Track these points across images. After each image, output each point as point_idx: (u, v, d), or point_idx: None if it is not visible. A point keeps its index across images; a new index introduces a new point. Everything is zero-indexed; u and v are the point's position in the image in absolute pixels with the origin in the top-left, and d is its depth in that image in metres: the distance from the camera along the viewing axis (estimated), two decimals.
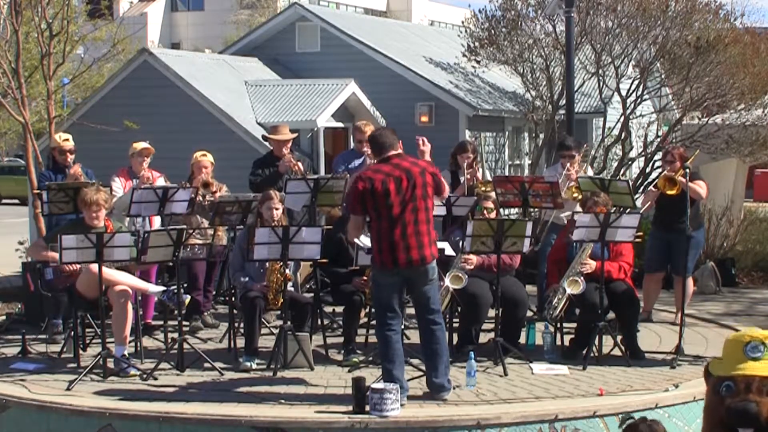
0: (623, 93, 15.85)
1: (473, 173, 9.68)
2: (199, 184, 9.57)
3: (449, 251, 8.23)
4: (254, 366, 8.05)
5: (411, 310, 7.59)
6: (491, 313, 8.42)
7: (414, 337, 8.35)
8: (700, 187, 9.49)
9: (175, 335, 8.31)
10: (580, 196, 9.21)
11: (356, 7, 55.32)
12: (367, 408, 6.76)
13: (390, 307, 7.08)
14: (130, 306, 8.05)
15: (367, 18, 28.59)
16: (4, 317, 10.45)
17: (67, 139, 9.87)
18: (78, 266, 8.08)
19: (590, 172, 10.61)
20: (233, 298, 9.09)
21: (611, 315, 8.61)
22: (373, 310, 8.80)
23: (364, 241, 7.64)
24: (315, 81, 17.68)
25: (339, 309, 9.08)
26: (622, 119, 15.85)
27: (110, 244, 7.66)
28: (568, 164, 9.68)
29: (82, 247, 7.57)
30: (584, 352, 8.29)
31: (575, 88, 13.49)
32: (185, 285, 9.31)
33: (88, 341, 8.91)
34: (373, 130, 9.98)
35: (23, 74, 13.20)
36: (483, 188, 9.41)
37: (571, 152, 9.81)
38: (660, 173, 10.00)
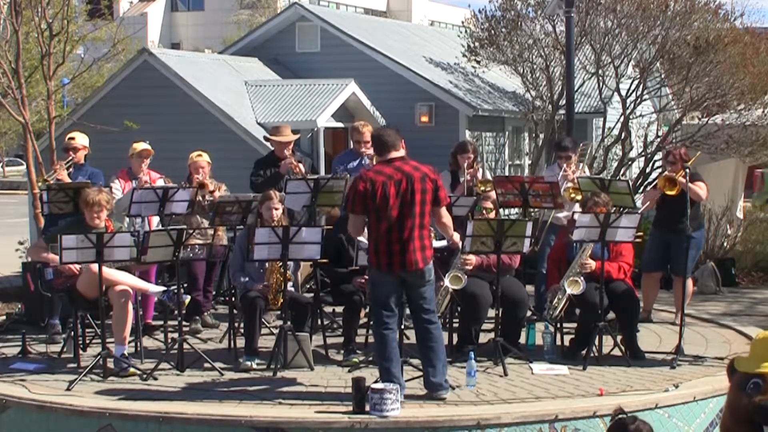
0: (623, 93, 15.86)
1: (473, 173, 9.69)
2: (195, 185, 9.56)
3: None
4: (254, 366, 8.05)
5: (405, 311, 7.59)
6: (491, 313, 8.42)
7: (414, 337, 8.35)
8: (700, 188, 9.49)
9: (175, 335, 8.32)
10: (578, 197, 9.22)
11: (356, 7, 55.33)
12: (367, 408, 6.76)
13: (386, 306, 7.08)
14: (130, 306, 8.05)
15: (367, 18, 28.59)
16: (4, 317, 10.45)
17: (73, 138, 9.88)
18: (78, 267, 8.07)
19: (587, 172, 10.61)
20: (233, 298, 9.09)
21: (611, 315, 8.61)
22: None
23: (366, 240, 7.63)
24: (315, 81, 17.68)
25: (339, 309, 9.08)
26: (622, 119, 15.86)
27: (110, 244, 7.66)
28: (565, 165, 9.69)
29: (82, 247, 7.57)
30: (584, 352, 8.29)
31: (575, 88, 13.49)
32: (185, 285, 9.31)
33: (88, 341, 8.91)
34: (372, 129, 10.02)
35: (23, 74, 13.22)
36: (482, 187, 9.41)
37: (567, 153, 9.82)
38: (660, 173, 10.01)
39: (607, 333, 8.41)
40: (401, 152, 7.15)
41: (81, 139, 9.88)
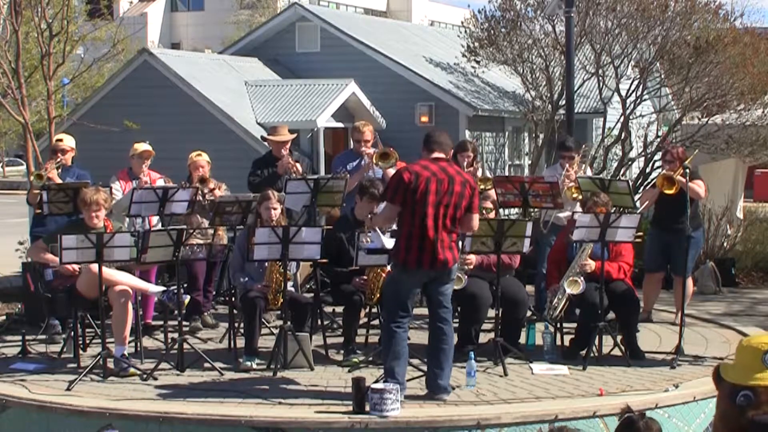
0: (623, 93, 15.86)
1: (473, 172, 9.69)
2: (196, 181, 9.57)
3: None
4: (254, 366, 8.05)
5: (413, 311, 7.58)
6: (491, 313, 8.42)
7: (414, 337, 8.35)
8: (698, 187, 9.48)
9: (175, 335, 8.32)
10: (579, 197, 9.22)
11: (356, 7, 55.34)
12: (367, 408, 6.76)
13: (404, 305, 7.11)
14: (130, 306, 8.05)
15: (367, 18, 28.59)
16: (4, 317, 10.44)
17: (61, 140, 9.88)
18: (76, 267, 8.07)
19: (589, 172, 10.61)
20: (233, 298, 9.09)
21: (611, 315, 8.61)
22: (373, 310, 8.82)
23: (375, 238, 7.61)
24: (315, 81, 17.68)
25: (339, 309, 9.07)
26: (622, 119, 15.86)
27: (110, 244, 7.66)
28: (567, 165, 9.69)
29: (82, 248, 7.57)
30: (584, 352, 8.29)
31: (575, 88, 13.49)
32: (185, 285, 9.31)
33: (88, 341, 8.91)
34: (373, 129, 10.04)
35: (23, 74, 13.22)
36: (482, 185, 9.41)
37: (571, 153, 9.81)
38: (660, 173, 10.01)
39: (607, 333, 8.41)
40: (448, 156, 7.33)
41: (69, 141, 9.87)
